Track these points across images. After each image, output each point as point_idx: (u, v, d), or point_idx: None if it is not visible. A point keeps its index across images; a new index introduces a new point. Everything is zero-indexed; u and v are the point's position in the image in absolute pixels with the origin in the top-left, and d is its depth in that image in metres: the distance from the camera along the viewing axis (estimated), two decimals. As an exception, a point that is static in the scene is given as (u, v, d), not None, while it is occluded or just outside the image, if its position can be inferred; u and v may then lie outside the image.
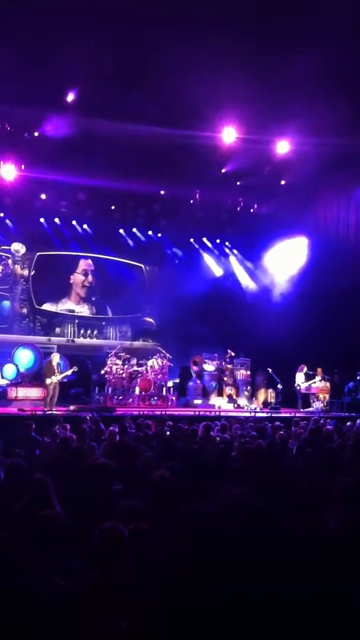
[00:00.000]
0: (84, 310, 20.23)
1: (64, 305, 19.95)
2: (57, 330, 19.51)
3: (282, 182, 17.55)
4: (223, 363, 18.49)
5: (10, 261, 18.95)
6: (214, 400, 17.89)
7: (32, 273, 19.09)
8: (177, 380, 17.96)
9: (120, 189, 17.51)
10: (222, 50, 11.40)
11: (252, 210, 19.39)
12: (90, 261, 20.25)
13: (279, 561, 0.84)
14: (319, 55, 10.84)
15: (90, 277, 20.22)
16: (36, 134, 14.90)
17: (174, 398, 17.25)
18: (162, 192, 17.53)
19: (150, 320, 20.91)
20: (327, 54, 10.85)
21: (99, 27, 10.76)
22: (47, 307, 19.57)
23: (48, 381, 14.42)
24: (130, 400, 16.58)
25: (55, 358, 15.00)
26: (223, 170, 16.99)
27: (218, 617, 0.81)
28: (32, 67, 11.82)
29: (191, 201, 18.63)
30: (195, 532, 0.91)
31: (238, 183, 17.82)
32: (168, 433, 9.79)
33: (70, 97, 13.51)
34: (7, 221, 18.45)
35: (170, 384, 17.61)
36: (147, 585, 0.92)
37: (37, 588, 2.78)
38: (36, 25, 10.75)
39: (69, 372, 15.25)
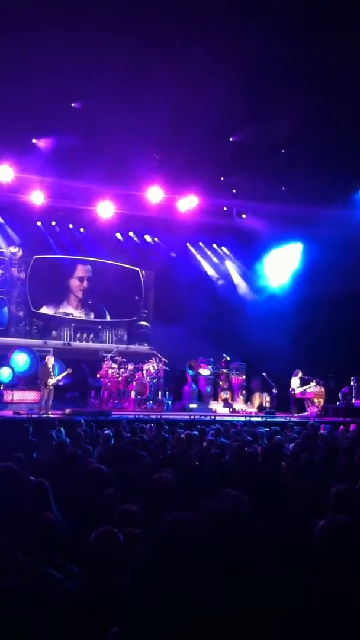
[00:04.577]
0: (82, 314, 20.22)
1: (63, 309, 19.93)
2: (54, 333, 19.52)
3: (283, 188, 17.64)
4: (219, 367, 18.54)
5: (6, 264, 18.96)
6: (210, 404, 17.94)
7: (29, 276, 19.10)
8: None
9: (117, 193, 17.59)
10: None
11: (244, 216, 19.43)
12: (89, 267, 20.25)
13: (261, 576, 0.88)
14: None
15: (85, 283, 20.20)
16: (34, 140, 14.96)
17: (169, 402, 17.28)
18: (160, 196, 17.57)
19: (146, 324, 20.95)
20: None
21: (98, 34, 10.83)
22: (45, 310, 19.56)
23: (43, 384, 14.46)
24: (126, 404, 16.60)
25: (50, 361, 15.03)
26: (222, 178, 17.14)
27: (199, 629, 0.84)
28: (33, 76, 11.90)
29: (188, 207, 18.65)
30: (174, 540, 0.94)
31: (234, 191, 17.92)
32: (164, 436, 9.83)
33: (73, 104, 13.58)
34: (4, 223, 18.47)
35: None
36: (131, 591, 0.94)
37: (29, 589, 2.81)
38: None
39: (64, 374, 15.27)
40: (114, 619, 2.00)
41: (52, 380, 14.46)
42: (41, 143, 15.09)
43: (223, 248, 21.44)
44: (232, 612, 0.84)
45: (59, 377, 14.97)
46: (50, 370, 14.63)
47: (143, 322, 20.99)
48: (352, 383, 17.38)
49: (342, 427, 12.06)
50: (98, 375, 16.82)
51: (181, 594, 0.85)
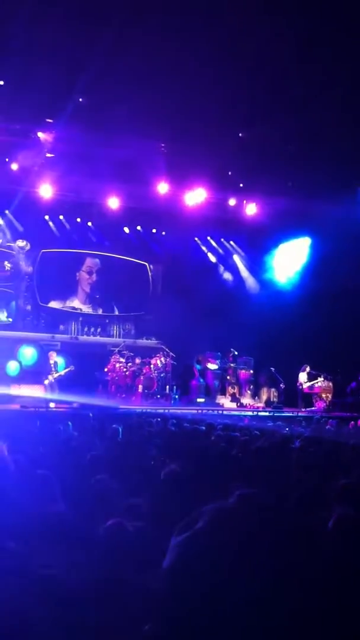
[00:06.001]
0: (89, 308, 20.22)
1: (71, 303, 19.95)
2: (61, 327, 19.52)
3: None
4: (226, 362, 18.51)
5: (14, 258, 18.99)
6: (217, 399, 17.93)
7: (37, 270, 19.12)
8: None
9: (125, 187, 17.56)
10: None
11: (255, 210, 19.35)
12: (97, 260, 20.26)
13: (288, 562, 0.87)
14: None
15: (94, 276, 20.21)
16: (40, 134, 14.96)
17: (176, 397, 17.30)
18: (166, 190, 17.54)
19: (154, 318, 20.92)
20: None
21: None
22: (53, 304, 19.57)
23: (46, 380, 14.61)
24: (134, 398, 16.62)
25: (52, 356, 15.13)
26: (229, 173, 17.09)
27: (238, 618, 0.83)
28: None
29: (195, 201, 18.60)
30: (215, 528, 0.92)
31: (241, 185, 17.86)
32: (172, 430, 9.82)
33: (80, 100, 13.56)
34: (12, 217, 18.48)
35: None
36: (167, 587, 0.92)
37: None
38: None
39: (66, 371, 15.35)
40: (136, 615, 1.97)
41: (52, 376, 14.61)
42: (48, 137, 15.08)
43: (231, 242, 21.37)
44: (275, 597, 0.83)
45: (61, 373, 15.05)
46: (52, 365, 14.77)
47: (150, 316, 20.97)
48: (360, 378, 17.33)
49: (352, 422, 12.00)
50: (105, 370, 16.84)
51: (222, 585, 0.84)
